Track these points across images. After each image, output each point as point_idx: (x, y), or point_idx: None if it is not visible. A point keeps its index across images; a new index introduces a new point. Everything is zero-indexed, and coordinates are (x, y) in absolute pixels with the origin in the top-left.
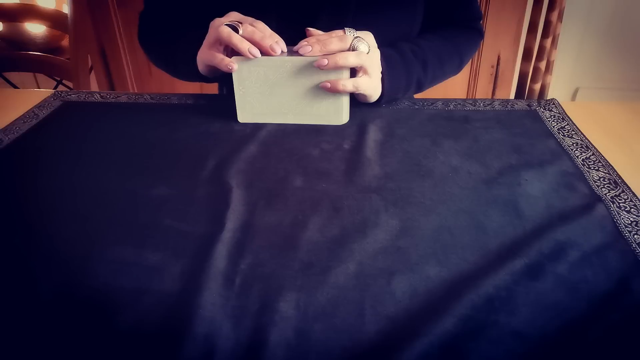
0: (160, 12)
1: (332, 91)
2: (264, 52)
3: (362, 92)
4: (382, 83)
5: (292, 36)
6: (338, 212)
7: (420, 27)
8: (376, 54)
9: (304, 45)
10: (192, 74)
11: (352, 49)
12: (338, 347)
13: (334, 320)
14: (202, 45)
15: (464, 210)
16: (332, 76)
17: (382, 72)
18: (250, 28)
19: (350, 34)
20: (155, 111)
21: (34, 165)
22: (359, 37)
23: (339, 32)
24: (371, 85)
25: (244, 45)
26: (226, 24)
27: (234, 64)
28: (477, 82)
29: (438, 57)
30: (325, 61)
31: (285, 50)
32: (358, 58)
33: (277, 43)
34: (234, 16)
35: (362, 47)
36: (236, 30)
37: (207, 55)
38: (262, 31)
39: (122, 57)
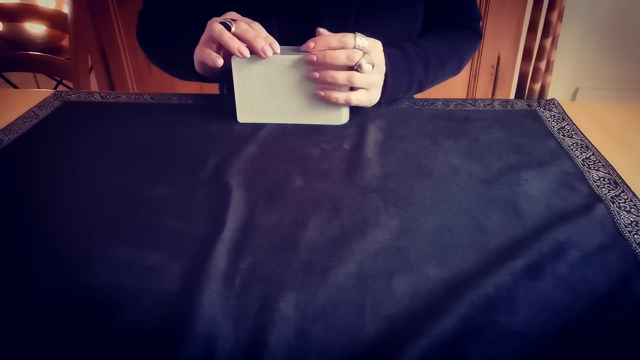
0: (160, 11)
1: (326, 100)
2: (254, 53)
3: (355, 104)
4: (384, 83)
5: (294, 37)
6: (338, 212)
7: (420, 27)
8: (379, 73)
9: (309, 56)
10: (191, 73)
11: (357, 66)
12: (338, 347)
13: (334, 320)
14: (199, 44)
15: (464, 210)
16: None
17: (385, 73)
18: (243, 26)
19: (360, 41)
20: (155, 111)
21: (34, 165)
22: (367, 54)
23: (350, 36)
24: (366, 100)
25: (234, 44)
26: (220, 22)
27: (218, 59)
28: (477, 82)
29: (439, 58)
30: (317, 75)
31: (279, 52)
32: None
33: (271, 45)
34: (231, 16)
35: (366, 67)
36: (229, 29)
37: (199, 52)
38: (257, 32)
39: (122, 57)
